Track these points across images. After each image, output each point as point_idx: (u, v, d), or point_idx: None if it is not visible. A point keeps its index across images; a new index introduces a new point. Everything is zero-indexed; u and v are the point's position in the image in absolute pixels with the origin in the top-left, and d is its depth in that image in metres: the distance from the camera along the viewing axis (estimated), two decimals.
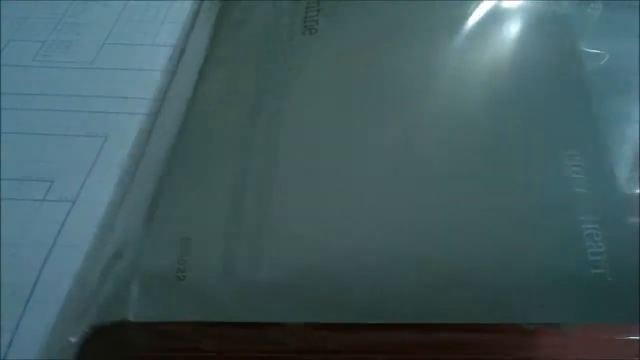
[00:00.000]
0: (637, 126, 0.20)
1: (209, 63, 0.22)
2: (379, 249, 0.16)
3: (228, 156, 0.19)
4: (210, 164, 0.19)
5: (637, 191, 0.18)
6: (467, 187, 0.17)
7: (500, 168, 0.18)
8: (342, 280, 0.16)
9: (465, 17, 0.22)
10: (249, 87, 0.20)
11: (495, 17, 0.22)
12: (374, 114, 0.19)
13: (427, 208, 0.17)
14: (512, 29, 0.22)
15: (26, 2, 0.27)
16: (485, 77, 0.20)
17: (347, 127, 0.19)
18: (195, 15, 0.26)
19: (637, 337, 0.15)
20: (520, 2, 0.23)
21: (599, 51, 0.22)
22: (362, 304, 0.15)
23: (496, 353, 0.15)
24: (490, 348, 0.15)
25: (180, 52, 0.24)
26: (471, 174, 0.18)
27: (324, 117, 0.19)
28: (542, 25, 0.22)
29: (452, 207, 0.17)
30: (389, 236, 0.16)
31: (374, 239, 0.16)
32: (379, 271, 0.16)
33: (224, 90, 0.21)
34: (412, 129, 0.19)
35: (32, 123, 0.23)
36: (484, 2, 0.22)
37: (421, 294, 0.15)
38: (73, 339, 0.16)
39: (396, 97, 0.20)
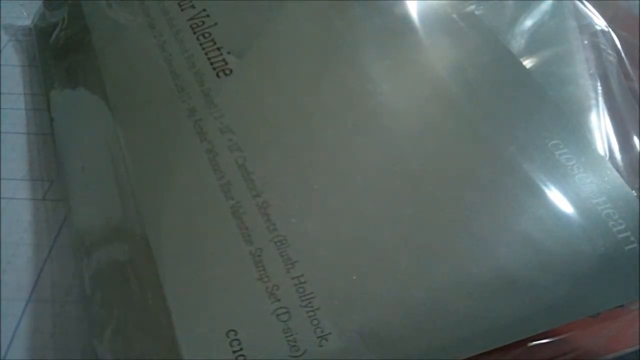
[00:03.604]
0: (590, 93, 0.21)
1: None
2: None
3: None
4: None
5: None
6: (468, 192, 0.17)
7: (501, 171, 0.18)
8: (415, 329, 0.15)
9: (389, 33, 0.21)
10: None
11: (411, 32, 0.21)
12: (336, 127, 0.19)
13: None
14: (432, 38, 0.21)
15: (27, 3, 0.27)
16: (428, 92, 0.20)
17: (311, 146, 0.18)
18: None
19: None
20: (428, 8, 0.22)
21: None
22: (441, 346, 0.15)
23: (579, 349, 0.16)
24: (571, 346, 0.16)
25: None
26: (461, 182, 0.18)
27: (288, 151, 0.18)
28: (457, 27, 0.21)
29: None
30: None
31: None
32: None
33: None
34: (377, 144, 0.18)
35: (31, 123, 0.23)
36: (392, 21, 0.21)
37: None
38: None
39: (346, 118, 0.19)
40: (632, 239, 0.16)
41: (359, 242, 0.16)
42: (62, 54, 0.23)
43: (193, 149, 0.18)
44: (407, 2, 0.22)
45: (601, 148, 0.20)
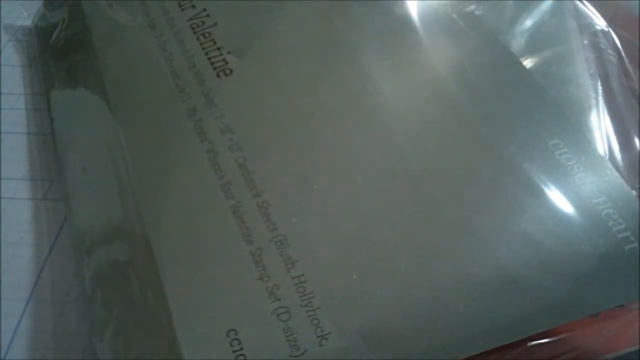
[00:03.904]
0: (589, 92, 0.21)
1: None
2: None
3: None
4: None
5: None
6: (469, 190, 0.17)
7: (501, 171, 0.18)
8: (415, 329, 0.15)
9: (386, 32, 0.21)
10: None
11: (411, 32, 0.21)
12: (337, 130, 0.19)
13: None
14: (432, 38, 0.21)
15: (27, 3, 0.27)
16: (428, 92, 0.20)
17: (312, 146, 0.18)
18: None
19: None
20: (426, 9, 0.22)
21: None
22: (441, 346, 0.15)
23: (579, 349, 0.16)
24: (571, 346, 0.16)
25: None
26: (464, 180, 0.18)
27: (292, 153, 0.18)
28: (457, 27, 0.21)
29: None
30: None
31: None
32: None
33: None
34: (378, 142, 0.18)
35: (31, 123, 0.23)
36: (393, 21, 0.21)
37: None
38: None
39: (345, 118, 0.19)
40: (632, 238, 0.16)
41: (359, 242, 0.16)
42: (62, 54, 0.23)
43: (193, 148, 0.18)
44: (407, 2, 0.22)
45: (601, 148, 0.20)
